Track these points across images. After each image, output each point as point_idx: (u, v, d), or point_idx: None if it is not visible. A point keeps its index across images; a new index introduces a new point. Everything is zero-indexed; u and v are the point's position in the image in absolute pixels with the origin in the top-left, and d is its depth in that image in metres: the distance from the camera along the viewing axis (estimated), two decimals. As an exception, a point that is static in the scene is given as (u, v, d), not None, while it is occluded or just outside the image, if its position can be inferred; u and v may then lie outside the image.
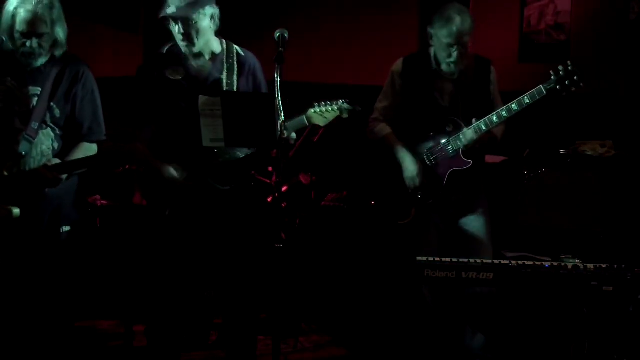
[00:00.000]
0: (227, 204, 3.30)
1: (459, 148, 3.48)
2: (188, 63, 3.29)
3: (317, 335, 4.32)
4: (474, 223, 3.62)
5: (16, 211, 2.89)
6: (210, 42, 3.29)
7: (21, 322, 3.06)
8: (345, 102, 3.17)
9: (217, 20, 3.27)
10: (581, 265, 2.92)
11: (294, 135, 3.18)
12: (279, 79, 2.81)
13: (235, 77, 3.29)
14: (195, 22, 3.18)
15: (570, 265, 2.92)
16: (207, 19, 3.22)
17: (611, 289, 2.87)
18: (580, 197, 4.43)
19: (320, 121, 3.21)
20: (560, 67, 3.30)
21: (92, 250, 4.40)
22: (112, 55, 5.29)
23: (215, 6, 3.26)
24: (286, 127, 2.97)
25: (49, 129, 3.01)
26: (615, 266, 2.89)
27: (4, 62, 2.97)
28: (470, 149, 3.47)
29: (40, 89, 2.98)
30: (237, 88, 3.27)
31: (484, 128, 3.41)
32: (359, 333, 4.25)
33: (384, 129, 3.71)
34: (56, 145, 3.04)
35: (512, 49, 5.23)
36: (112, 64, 5.20)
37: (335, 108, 3.17)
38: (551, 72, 3.33)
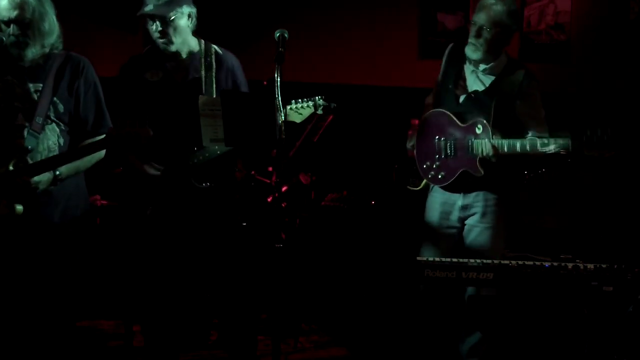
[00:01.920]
0: (206, 201, 3.30)
1: (478, 156, 3.39)
2: (166, 63, 3.32)
3: (317, 335, 4.32)
4: (478, 237, 3.54)
5: (19, 208, 2.88)
6: (187, 41, 3.32)
7: (22, 322, 3.06)
8: (321, 98, 3.20)
9: (195, 20, 3.31)
10: (581, 265, 2.92)
11: None
12: (279, 79, 2.81)
13: (213, 76, 3.31)
14: (172, 20, 3.22)
15: (570, 265, 2.92)
16: (184, 18, 3.26)
17: (611, 289, 2.86)
18: (580, 197, 4.43)
19: (296, 118, 3.24)
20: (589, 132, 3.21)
21: (92, 250, 4.39)
22: (111, 56, 5.28)
23: (192, 5, 3.30)
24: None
25: (53, 124, 3.00)
26: (615, 266, 2.89)
27: (3, 60, 2.96)
28: (487, 161, 3.39)
29: (41, 85, 2.97)
30: (216, 87, 3.28)
31: (506, 150, 3.33)
32: (359, 333, 4.25)
33: (428, 99, 3.69)
34: (62, 141, 3.02)
35: (512, 49, 5.22)
36: (111, 64, 5.19)
37: (311, 104, 3.21)
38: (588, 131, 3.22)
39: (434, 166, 3.53)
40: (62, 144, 3.03)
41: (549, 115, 3.54)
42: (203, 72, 3.31)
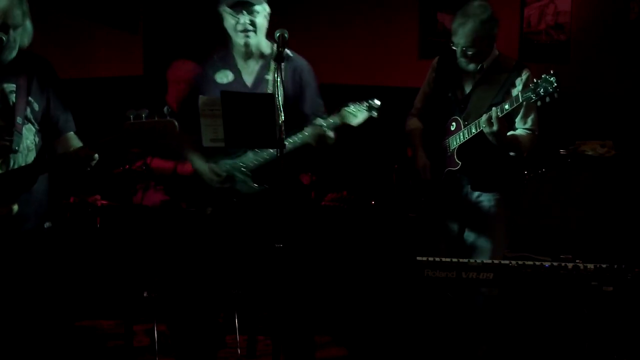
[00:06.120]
0: (260, 202, 3.27)
1: (455, 147, 3.43)
2: (237, 65, 3.30)
3: (317, 335, 4.32)
4: (478, 238, 3.53)
5: (15, 207, 2.88)
6: (262, 41, 3.29)
7: (21, 322, 3.06)
8: (375, 100, 3.18)
9: (267, 21, 3.29)
10: (581, 265, 2.92)
11: (331, 134, 3.24)
12: (279, 79, 2.82)
13: (281, 78, 3.24)
14: (258, 14, 3.22)
15: (570, 265, 2.92)
16: (264, 14, 3.26)
17: (611, 289, 2.87)
18: (580, 197, 4.43)
19: (352, 120, 3.21)
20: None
21: (92, 250, 4.40)
22: (111, 56, 5.29)
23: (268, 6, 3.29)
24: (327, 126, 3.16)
25: (30, 124, 3.00)
26: (615, 266, 2.89)
27: None
28: (467, 150, 3.40)
29: (14, 85, 2.96)
30: (284, 89, 3.21)
31: (473, 130, 3.34)
32: (359, 333, 4.24)
33: (412, 123, 3.69)
34: (37, 140, 3.03)
35: (512, 49, 5.23)
36: (111, 64, 5.20)
37: (365, 107, 3.18)
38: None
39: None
40: (37, 143, 3.02)
41: (549, 115, 3.54)
42: (271, 75, 3.28)
